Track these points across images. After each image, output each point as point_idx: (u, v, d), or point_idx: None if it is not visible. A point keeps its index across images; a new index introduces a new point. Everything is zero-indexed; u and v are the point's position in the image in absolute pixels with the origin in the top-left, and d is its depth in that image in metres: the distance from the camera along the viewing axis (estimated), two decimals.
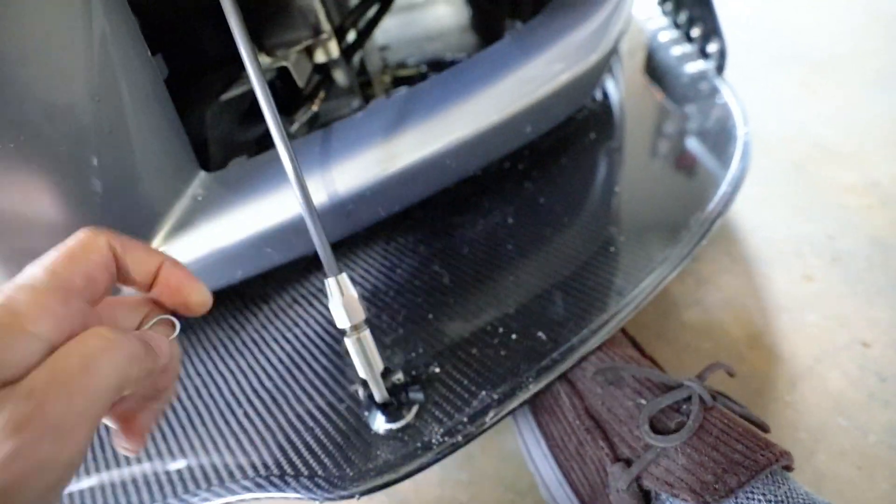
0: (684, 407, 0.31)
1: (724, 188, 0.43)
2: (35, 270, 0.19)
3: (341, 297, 0.27)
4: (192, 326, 0.46)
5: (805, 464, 0.38)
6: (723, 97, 0.55)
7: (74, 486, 0.35)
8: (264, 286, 0.48)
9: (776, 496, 0.26)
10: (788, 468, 0.29)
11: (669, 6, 0.76)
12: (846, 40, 0.87)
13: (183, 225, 0.34)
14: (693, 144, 0.51)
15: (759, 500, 0.26)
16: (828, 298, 0.49)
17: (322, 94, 0.46)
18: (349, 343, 0.28)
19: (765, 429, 0.32)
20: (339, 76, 0.46)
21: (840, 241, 0.54)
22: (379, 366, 0.29)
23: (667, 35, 0.71)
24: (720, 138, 0.51)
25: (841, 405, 0.41)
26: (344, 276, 0.28)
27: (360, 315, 0.28)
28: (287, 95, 0.47)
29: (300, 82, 0.39)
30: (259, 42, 0.41)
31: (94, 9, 0.26)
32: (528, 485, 0.40)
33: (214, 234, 0.35)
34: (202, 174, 0.35)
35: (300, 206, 0.28)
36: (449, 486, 0.41)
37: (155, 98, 0.31)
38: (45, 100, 0.25)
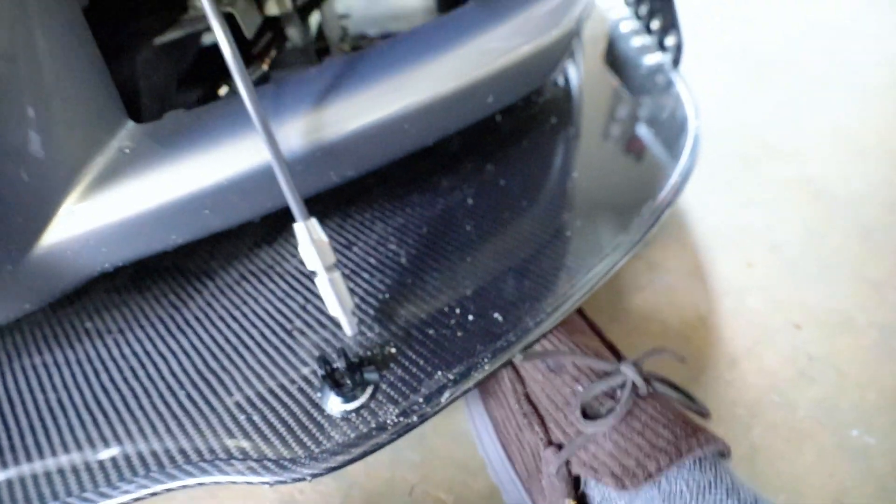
0: (619, 393, 0.31)
1: (674, 178, 0.44)
2: None
3: (311, 241, 0.28)
4: (126, 303, 0.43)
5: (742, 438, 0.41)
6: (677, 90, 0.57)
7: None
8: (208, 261, 0.45)
9: (699, 482, 0.26)
10: (723, 454, 0.29)
11: None
12: (791, 45, 0.92)
13: (106, 179, 0.31)
14: (647, 135, 0.52)
15: (681, 486, 0.26)
16: (766, 284, 0.52)
17: (273, 54, 0.43)
18: (321, 283, 0.30)
19: (704, 415, 0.33)
20: (293, 34, 0.43)
21: (778, 231, 0.57)
22: (350, 304, 0.32)
23: (628, 25, 0.72)
24: (673, 130, 0.52)
25: (775, 383, 0.44)
26: (313, 221, 0.29)
27: (331, 258, 0.30)
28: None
29: (247, 34, 0.37)
30: None
31: None
32: (480, 465, 0.40)
33: (143, 192, 0.31)
34: (131, 125, 0.32)
35: (267, 150, 0.27)
36: (400, 468, 0.41)
37: (74, 31, 0.28)
38: None
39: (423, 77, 0.34)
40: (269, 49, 0.45)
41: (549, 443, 0.31)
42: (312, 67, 0.34)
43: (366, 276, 0.39)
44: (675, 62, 0.61)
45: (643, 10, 0.71)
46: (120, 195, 0.31)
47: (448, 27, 0.36)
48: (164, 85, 0.37)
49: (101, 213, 0.30)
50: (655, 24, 0.66)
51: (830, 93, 0.80)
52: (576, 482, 0.30)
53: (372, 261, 0.40)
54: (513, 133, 0.51)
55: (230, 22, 0.39)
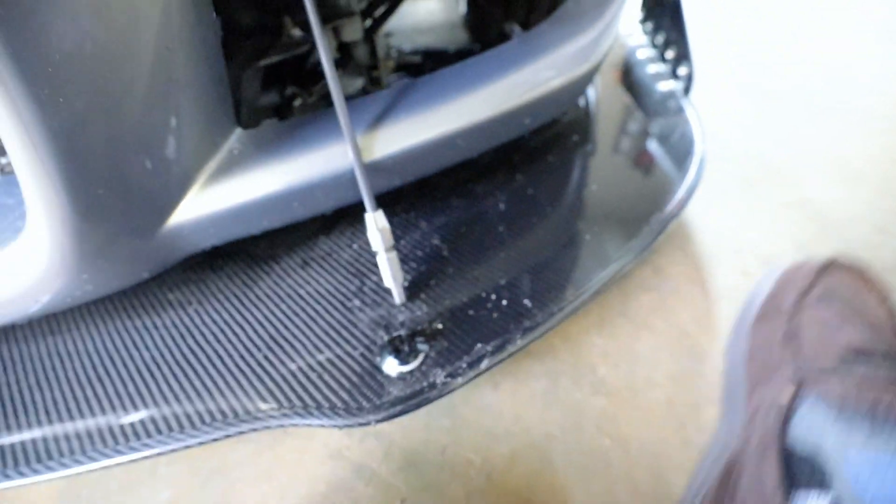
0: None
1: (680, 194, 0.51)
2: None
3: (377, 228, 0.37)
4: (203, 280, 0.50)
5: None
6: (687, 116, 0.63)
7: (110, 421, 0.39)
8: (272, 247, 0.52)
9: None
10: None
11: (649, 26, 0.84)
12: (797, 74, 0.99)
13: (219, 175, 0.38)
14: (658, 154, 0.59)
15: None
16: None
17: (339, 73, 0.51)
18: (382, 260, 0.38)
19: None
20: (359, 55, 0.51)
21: (772, 245, 0.63)
22: (401, 279, 0.41)
23: (644, 53, 0.79)
24: (681, 151, 0.59)
25: None
26: (380, 212, 0.37)
27: (391, 241, 0.38)
28: (303, 70, 0.51)
29: None
30: (294, 16, 0.45)
31: None
32: (504, 431, 0.47)
33: (246, 187, 0.39)
34: (239, 130, 0.39)
35: (351, 156, 0.34)
36: (433, 431, 0.47)
37: (213, 55, 0.35)
38: (126, 45, 0.29)
39: (477, 101, 0.41)
40: (337, 69, 0.52)
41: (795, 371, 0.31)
42: (384, 90, 0.41)
43: (414, 265, 0.46)
44: (686, 90, 0.68)
45: (659, 39, 0.78)
46: (229, 189, 0.38)
47: (496, 60, 0.43)
48: (257, 98, 0.45)
49: (215, 201, 0.38)
50: (670, 54, 0.73)
51: (831, 121, 0.86)
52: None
53: (419, 253, 0.47)
54: (540, 149, 0.58)
55: (311, 49, 0.47)
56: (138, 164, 0.32)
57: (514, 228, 0.48)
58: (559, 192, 0.52)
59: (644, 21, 0.88)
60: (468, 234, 0.48)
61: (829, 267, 0.40)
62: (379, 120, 0.39)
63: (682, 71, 0.69)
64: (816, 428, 0.27)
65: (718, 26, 1.20)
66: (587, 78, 0.49)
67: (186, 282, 0.50)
